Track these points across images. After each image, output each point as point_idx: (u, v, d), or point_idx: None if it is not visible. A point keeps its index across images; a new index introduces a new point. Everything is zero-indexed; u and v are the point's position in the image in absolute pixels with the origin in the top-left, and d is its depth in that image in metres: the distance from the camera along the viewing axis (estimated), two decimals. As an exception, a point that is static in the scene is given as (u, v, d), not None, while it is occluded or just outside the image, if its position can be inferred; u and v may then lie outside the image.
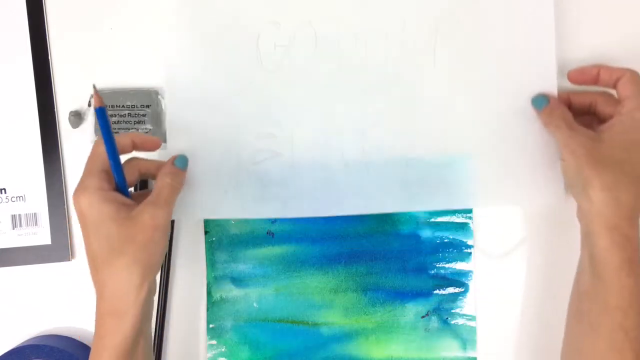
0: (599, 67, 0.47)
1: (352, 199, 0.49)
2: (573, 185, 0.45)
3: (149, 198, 0.42)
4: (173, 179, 0.44)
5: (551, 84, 0.49)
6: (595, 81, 0.47)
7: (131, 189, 0.45)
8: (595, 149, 0.43)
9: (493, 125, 0.50)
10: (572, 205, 0.51)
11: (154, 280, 0.43)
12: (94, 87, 0.43)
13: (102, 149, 0.42)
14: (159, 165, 0.45)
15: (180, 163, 0.46)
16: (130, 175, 0.44)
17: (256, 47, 0.49)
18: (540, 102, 0.48)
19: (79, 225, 0.41)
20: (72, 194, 0.51)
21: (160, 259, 0.43)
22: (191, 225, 0.52)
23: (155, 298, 0.51)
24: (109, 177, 0.42)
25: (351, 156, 0.50)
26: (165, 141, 0.51)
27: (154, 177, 0.45)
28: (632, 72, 0.45)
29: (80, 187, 0.41)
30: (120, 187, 0.43)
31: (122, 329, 0.40)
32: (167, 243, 0.44)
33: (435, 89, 0.50)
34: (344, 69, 0.49)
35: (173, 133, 0.49)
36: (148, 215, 0.41)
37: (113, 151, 0.42)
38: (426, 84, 0.49)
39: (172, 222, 0.51)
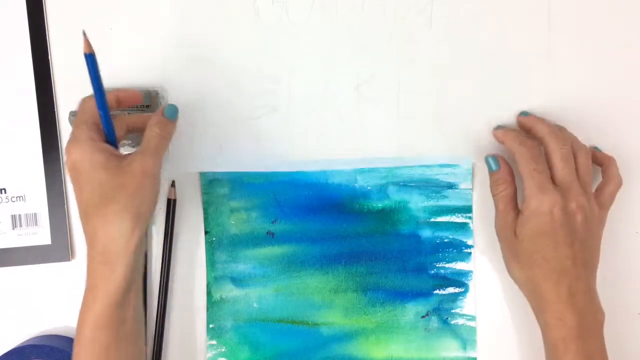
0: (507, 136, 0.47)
1: (345, 153, 0.50)
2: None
3: (138, 148, 0.43)
4: (162, 129, 0.44)
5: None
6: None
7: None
8: (512, 242, 0.45)
9: (491, 78, 0.51)
10: (572, 205, 0.51)
11: (145, 232, 0.43)
12: (84, 33, 0.42)
13: (92, 102, 0.43)
14: (147, 117, 0.45)
15: (169, 113, 0.45)
16: (119, 130, 0.44)
17: (254, 2, 0.50)
18: (491, 164, 0.48)
19: (70, 177, 0.42)
20: (72, 194, 0.52)
21: (151, 209, 0.43)
22: (191, 226, 0.52)
23: (155, 298, 0.51)
24: (99, 129, 0.43)
25: (346, 111, 0.50)
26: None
27: (142, 130, 0.45)
28: (526, 150, 0.45)
29: (72, 139, 0.42)
30: (109, 138, 0.43)
31: (113, 277, 0.40)
32: (158, 193, 0.44)
33: (430, 47, 0.50)
34: (342, 25, 0.50)
35: (170, 88, 0.50)
36: (138, 163, 0.42)
37: (102, 101, 0.42)
38: (422, 43, 0.50)
39: (174, 202, 0.51)
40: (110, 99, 0.44)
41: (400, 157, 0.51)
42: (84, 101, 0.44)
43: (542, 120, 0.48)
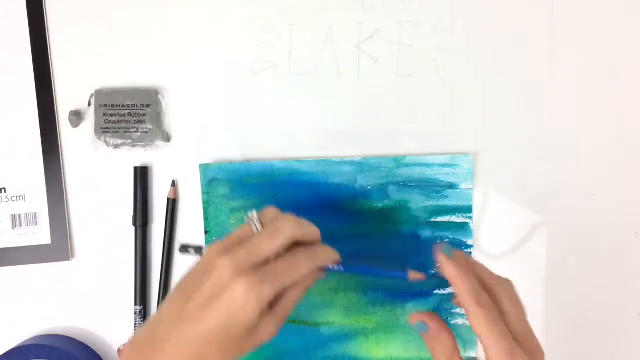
0: (457, 275, 0.37)
1: (344, 111, 0.51)
2: None
3: (277, 310, 0.38)
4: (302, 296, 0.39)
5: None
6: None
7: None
8: None
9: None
10: (571, 205, 0.51)
11: None
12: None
13: (310, 268, 0.38)
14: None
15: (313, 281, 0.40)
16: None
17: None
18: (419, 328, 0.40)
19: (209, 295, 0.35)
20: (72, 194, 0.52)
21: None
22: (191, 226, 0.52)
23: (155, 298, 0.52)
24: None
25: (345, 68, 0.50)
26: (168, 140, 0.51)
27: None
28: (487, 313, 0.36)
29: (256, 284, 0.35)
30: None
31: None
32: None
33: (433, 6, 0.50)
34: None
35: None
36: (268, 330, 0.37)
37: None
38: (425, 3, 0.50)
39: (174, 202, 0.51)
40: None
41: (397, 115, 0.51)
42: (308, 261, 0.38)
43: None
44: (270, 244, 0.37)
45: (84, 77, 0.51)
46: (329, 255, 0.41)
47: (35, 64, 0.51)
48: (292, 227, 0.38)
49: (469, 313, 0.37)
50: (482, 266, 0.39)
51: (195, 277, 0.37)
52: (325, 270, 0.40)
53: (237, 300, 0.34)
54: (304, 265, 0.38)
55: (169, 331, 0.35)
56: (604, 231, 0.51)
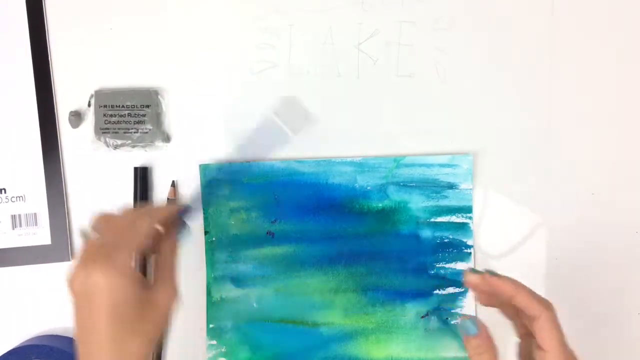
0: (514, 289, 0.39)
1: (344, 111, 0.51)
2: None
3: (163, 278, 0.41)
4: (174, 253, 0.42)
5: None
6: (500, 303, 0.41)
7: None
8: None
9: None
10: (571, 205, 0.51)
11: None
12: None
13: (146, 224, 0.40)
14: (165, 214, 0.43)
15: (182, 236, 0.44)
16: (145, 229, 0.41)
17: None
18: (469, 328, 0.40)
19: (79, 298, 0.37)
20: (72, 194, 0.52)
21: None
22: (191, 225, 0.52)
23: (155, 298, 0.51)
24: (135, 258, 0.41)
25: (345, 68, 0.50)
26: (168, 140, 0.51)
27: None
28: (549, 314, 0.38)
29: (109, 262, 0.37)
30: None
31: None
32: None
33: (432, 6, 0.50)
34: None
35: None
36: (166, 296, 0.40)
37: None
38: (425, 2, 0.50)
39: (174, 202, 0.51)
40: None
41: (396, 113, 0.51)
42: (139, 220, 0.40)
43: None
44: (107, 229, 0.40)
45: (84, 77, 0.51)
46: (166, 210, 0.43)
47: (35, 64, 0.51)
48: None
49: (535, 317, 0.39)
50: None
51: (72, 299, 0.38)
52: (183, 220, 0.44)
53: (102, 284, 0.36)
54: (140, 224, 0.40)
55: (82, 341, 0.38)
56: (604, 231, 0.51)
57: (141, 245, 0.39)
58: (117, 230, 0.39)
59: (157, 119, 0.51)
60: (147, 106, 0.50)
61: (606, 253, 0.51)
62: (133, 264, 0.39)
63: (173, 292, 0.41)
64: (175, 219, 0.43)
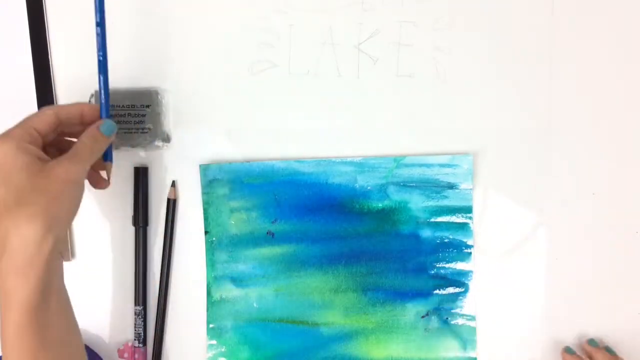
0: None
1: (344, 111, 0.51)
2: None
3: (65, 155, 0.42)
4: (93, 143, 0.43)
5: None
6: None
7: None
8: None
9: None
10: (571, 205, 0.51)
11: (63, 239, 0.41)
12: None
13: (50, 113, 0.42)
14: (78, 110, 0.44)
15: (106, 130, 0.44)
16: (46, 117, 0.43)
17: None
18: None
19: None
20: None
21: (70, 216, 0.42)
22: (191, 226, 0.52)
23: (155, 298, 0.51)
24: (35, 137, 0.41)
25: (345, 68, 0.50)
26: (168, 140, 0.51)
27: (71, 125, 0.44)
28: None
29: (3, 135, 0.40)
30: (104, 110, 0.45)
31: (27, 286, 0.39)
32: (79, 202, 0.42)
33: (432, 6, 0.50)
34: None
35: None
36: (62, 168, 0.40)
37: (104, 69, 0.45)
38: (424, 2, 0.50)
39: (174, 202, 0.51)
40: (75, 112, 0.44)
41: (397, 113, 0.51)
42: (45, 108, 0.43)
43: (602, 351, 0.50)
44: None
45: (84, 77, 0.51)
46: (78, 105, 0.45)
47: (35, 64, 0.51)
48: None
49: None
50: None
51: None
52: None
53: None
54: (43, 110, 0.43)
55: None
56: (604, 231, 0.51)
57: (42, 123, 0.41)
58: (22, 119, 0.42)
59: (157, 119, 0.51)
60: (147, 106, 0.50)
61: (606, 253, 0.51)
62: (29, 139, 0.40)
63: (74, 170, 0.41)
64: (96, 115, 0.45)
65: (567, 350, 0.51)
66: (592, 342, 0.51)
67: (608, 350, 0.50)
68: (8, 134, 0.40)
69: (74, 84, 0.51)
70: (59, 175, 0.40)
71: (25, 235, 0.38)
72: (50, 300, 0.40)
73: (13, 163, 0.39)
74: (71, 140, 0.46)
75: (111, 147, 0.46)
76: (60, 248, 0.41)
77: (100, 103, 0.45)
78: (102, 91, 0.45)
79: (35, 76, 0.51)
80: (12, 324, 0.39)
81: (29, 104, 0.51)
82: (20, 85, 0.51)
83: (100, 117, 0.45)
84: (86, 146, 0.43)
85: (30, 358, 0.39)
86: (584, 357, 0.50)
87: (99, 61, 0.45)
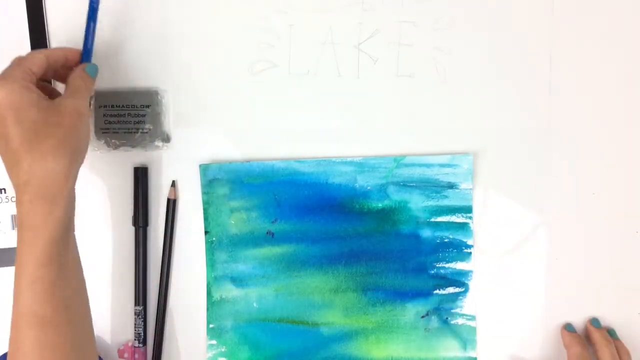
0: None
1: (344, 111, 0.51)
2: None
3: (66, 93, 0.43)
4: (85, 83, 0.45)
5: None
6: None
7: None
8: None
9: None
10: (571, 205, 0.51)
11: (78, 172, 0.43)
12: None
13: (41, 56, 0.43)
14: (62, 55, 0.46)
15: (90, 70, 0.46)
16: (38, 60, 0.44)
17: None
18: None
19: None
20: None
21: (85, 149, 0.43)
22: (191, 226, 0.52)
23: (155, 298, 0.51)
24: (32, 77, 0.42)
25: (345, 68, 0.50)
26: (168, 140, 0.51)
27: (58, 73, 0.46)
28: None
29: (1, 77, 0.41)
30: (85, 54, 0.47)
31: (53, 217, 0.40)
32: (89, 138, 0.44)
33: (432, 6, 0.50)
34: None
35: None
36: (70, 104, 0.42)
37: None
38: (424, 2, 0.50)
39: (174, 202, 0.51)
40: (60, 55, 0.45)
41: (396, 112, 0.51)
42: (37, 51, 0.44)
43: (601, 331, 0.50)
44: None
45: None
46: (63, 49, 0.47)
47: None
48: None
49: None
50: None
51: None
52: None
53: (1, 95, 0.39)
54: (33, 53, 0.44)
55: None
56: (604, 231, 0.51)
57: (36, 65, 0.42)
58: (14, 61, 0.43)
59: (157, 119, 0.51)
60: (147, 106, 0.50)
61: (606, 253, 0.51)
62: (29, 78, 0.42)
63: (80, 104, 0.43)
64: (77, 59, 0.46)
65: (567, 327, 0.51)
66: (594, 321, 0.51)
67: (611, 333, 0.50)
68: (9, 74, 0.41)
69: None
70: (69, 110, 0.41)
71: (51, 168, 0.40)
72: (70, 234, 0.42)
73: (22, 101, 0.40)
74: (49, 86, 0.48)
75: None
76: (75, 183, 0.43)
77: (86, 48, 0.47)
78: (90, 37, 0.47)
79: (35, 76, 0.51)
80: (35, 255, 0.40)
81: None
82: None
83: (85, 61, 0.46)
84: (81, 84, 0.44)
85: (47, 289, 0.40)
86: (582, 336, 0.51)
87: (91, 8, 0.47)
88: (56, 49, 0.46)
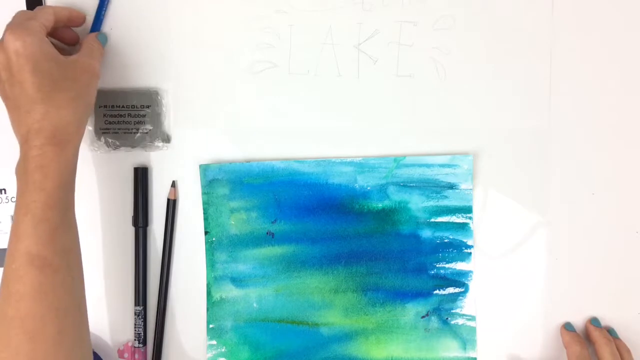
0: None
1: (344, 111, 0.51)
2: None
3: (81, 52, 0.46)
4: (98, 47, 0.47)
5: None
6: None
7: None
8: None
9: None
10: (571, 205, 0.51)
11: (85, 129, 0.45)
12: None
13: (51, 11, 0.45)
14: (66, 14, 0.47)
15: (102, 40, 0.49)
16: (49, 15, 0.45)
17: None
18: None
19: (6, 63, 0.41)
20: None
21: (92, 109, 0.47)
22: (191, 226, 0.52)
23: (155, 298, 0.51)
24: (45, 30, 0.44)
25: (345, 68, 0.51)
26: (168, 141, 0.51)
27: (57, 31, 0.48)
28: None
29: (20, 26, 0.41)
30: (97, 19, 0.49)
31: (65, 157, 0.42)
32: (95, 98, 0.46)
33: (432, 6, 0.50)
34: None
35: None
36: (86, 62, 0.45)
37: None
38: (426, 2, 0.50)
39: (174, 202, 0.51)
40: (65, 13, 0.47)
41: (396, 112, 0.51)
42: (41, 8, 0.45)
43: (601, 331, 0.50)
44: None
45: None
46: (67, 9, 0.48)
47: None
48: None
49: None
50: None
51: None
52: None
53: (19, 45, 0.41)
54: (43, 9, 0.45)
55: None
56: (604, 231, 0.51)
57: (47, 21, 0.44)
58: (26, 14, 0.44)
59: (157, 119, 0.51)
60: (147, 106, 0.50)
61: (606, 253, 0.51)
62: (45, 32, 0.43)
63: (95, 64, 0.46)
64: (80, 20, 0.49)
65: (567, 326, 0.51)
66: (594, 321, 0.51)
67: (611, 333, 0.50)
68: (28, 26, 0.42)
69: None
70: (85, 67, 0.44)
71: (66, 116, 0.42)
72: (73, 182, 0.43)
73: (41, 53, 0.41)
74: (59, 42, 0.49)
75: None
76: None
77: (99, 18, 0.50)
78: (103, 8, 0.50)
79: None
80: (44, 196, 0.41)
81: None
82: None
83: (96, 30, 0.50)
84: (95, 47, 0.47)
85: (52, 232, 0.41)
86: (582, 335, 0.51)
87: None
88: (63, 7, 0.48)
